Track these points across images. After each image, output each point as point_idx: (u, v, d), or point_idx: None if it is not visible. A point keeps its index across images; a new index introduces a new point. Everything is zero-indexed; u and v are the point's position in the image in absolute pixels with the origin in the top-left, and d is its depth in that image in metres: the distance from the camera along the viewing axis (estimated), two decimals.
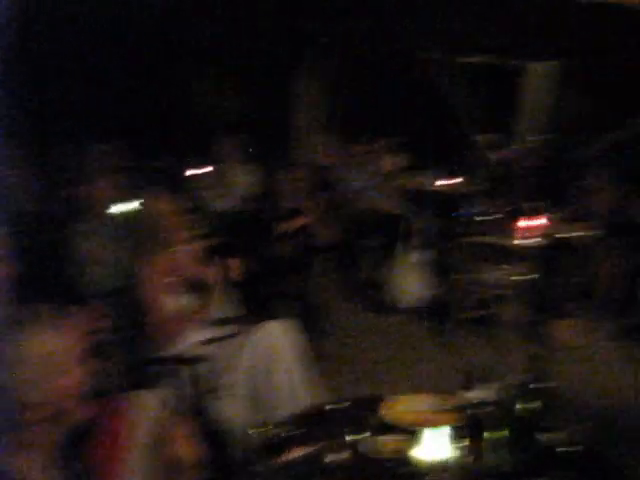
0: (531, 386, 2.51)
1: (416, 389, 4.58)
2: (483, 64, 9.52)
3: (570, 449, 2.36)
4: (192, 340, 3.52)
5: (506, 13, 5.81)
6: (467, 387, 2.56)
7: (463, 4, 5.76)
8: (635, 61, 8.68)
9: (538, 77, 10.44)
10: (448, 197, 8.07)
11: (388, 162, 8.28)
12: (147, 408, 2.53)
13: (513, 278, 5.47)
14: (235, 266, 3.94)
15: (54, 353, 1.89)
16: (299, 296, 5.36)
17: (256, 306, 4.30)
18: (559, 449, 2.38)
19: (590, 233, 6.10)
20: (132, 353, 3.45)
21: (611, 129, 10.50)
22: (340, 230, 6.96)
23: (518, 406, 2.49)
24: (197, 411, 3.27)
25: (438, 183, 8.49)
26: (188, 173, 6.63)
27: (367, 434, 2.59)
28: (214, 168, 6.59)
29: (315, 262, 6.09)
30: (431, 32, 7.12)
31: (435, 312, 6.02)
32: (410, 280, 6.15)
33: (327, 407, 2.64)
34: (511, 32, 6.73)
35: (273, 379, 3.39)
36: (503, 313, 5.54)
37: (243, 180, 6.68)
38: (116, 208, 4.96)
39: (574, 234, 6.01)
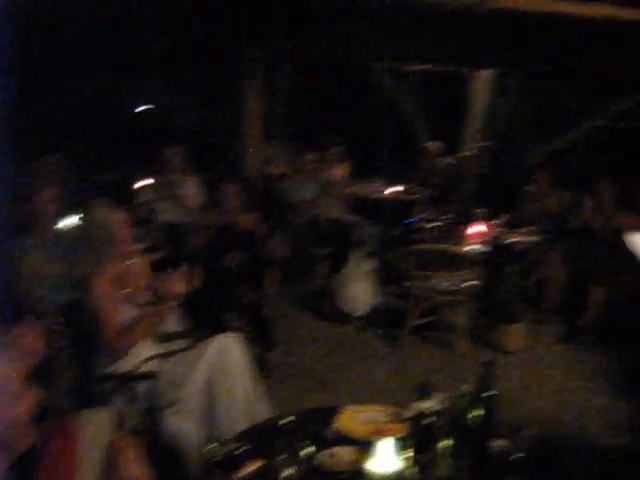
0: (480, 395, 2.55)
1: (371, 397, 4.64)
2: (430, 72, 9.63)
3: (517, 456, 2.40)
4: (144, 355, 3.48)
5: (449, 23, 5.87)
6: (419, 397, 2.58)
7: (408, 14, 5.80)
8: (576, 69, 8.89)
9: (483, 85, 10.59)
10: (398, 204, 8.14)
11: (338, 171, 8.32)
12: (99, 427, 2.50)
13: (463, 284, 5.54)
14: (186, 279, 3.91)
15: (2, 379, 1.84)
16: (251, 307, 5.35)
17: (208, 319, 4.28)
18: (506, 456, 2.42)
19: (535, 238, 6.22)
20: (83, 370, 3.41)
21: (553, 135, 10.73)
22: (291, 240, 6.97)
23: (467, 415, 2.53)
24: (150, 428, 3.24)
25: (388, 191, 8.55)
26: (136, 185, 6.55)
27: (321, 447, 2.60)
28: (161, 179, 6.53)
29: (266, 272, 6.09)
30: (378, 41, 7.16)
31: (387, 320, 6.07)
32: (362, 288, 6.18)
33: (280, 421, 2.64)
34: (455, 41, 6.80)
35: (226, 394, 3.38)
36: (453, 319, 5.60)
37: (191, 191, 6.64)
38: (63, 221, 4.90)
39: (519, 239, 6.12)
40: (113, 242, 3.57)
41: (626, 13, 5.76)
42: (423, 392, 2.60)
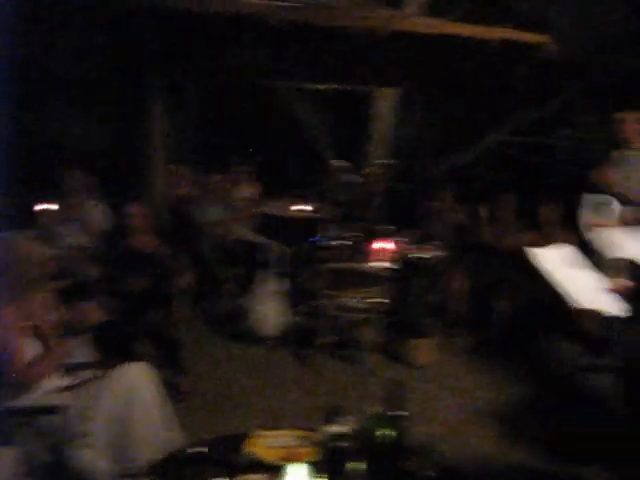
0: (389, 415, 2.58)
1: (283, 419, 4.65)
2: (336, 91, 9.73)
3: (428, 475, 2.45)
4: (49, 388, 3.38)
5: (354, 44, 5.98)
6: (328, 420, 2.60)
7: (314, 35, 5.87)
8: (476, 88, 9.18)
9: (388, 102, 10.79)
10: (305, 223, 8.18)
11: (246, 191, 8.32)
12: (2, 465, 2.42)
13: (371, 301, 5.61)
14: (91, 308, 3.82)
15: None
16: (159, 333, 5.26)
17: (115, 348, 4.19)
18: (417, 476, 2.46)
19: (440, 253, 6.35)
20: None
21: (456, 152, 11.02)
22: (199, 261, 6.90)
23: (377, 436, 2.56)
24: (56, 463, 3.15)
25: (295, 209, 8.59)
26: (38, 208, 6.36)
27: (233, 474, 2.58)
28: (65, 203, 6.36)
29: (174, 296, 6.01)
30: (284, 62, 7.21)
31: (298, 339, 6.08)
32: (272, 308, 6.17)
33: (191, 450, 2.61)
34: (360, 61, 6.92)
35: (135, 424, 3.31)
36: (363, 336, 5.66)
37: (95, 216, 6.50)
38: None
39: (425, 255, 6.23)
40: (18, 271, 3.46)
41: (519, 36, 6.01)
42: (332, 415, 2.61)
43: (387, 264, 5.96)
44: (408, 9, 10.47)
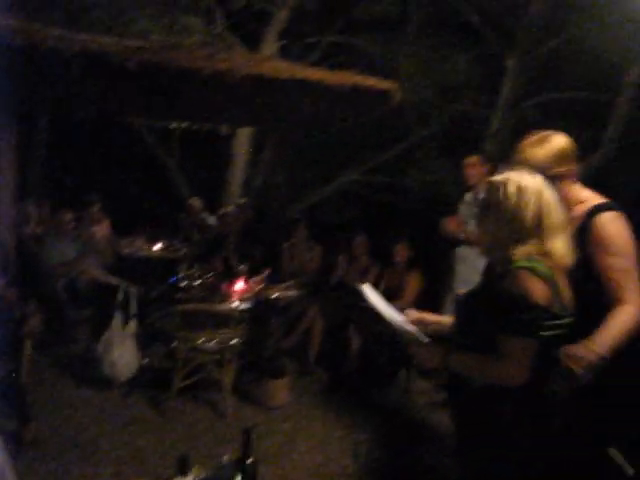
0: (241, 464, 2.59)
1: (137, 467, 4.54)
2: (193, 129, 9.73)
3: None
4: None
5: (205, 86, 6.02)
6: (179, 472, 2.57)
7: (167, 75, 5.87)
8: (329, 130, 9.46)
9: (244, 142, 10.91)
10: (161, 262, 8.10)
11: (99, 229, 8.14)
12: None
13: (228, 342, 5.61)
14: None
15: None
16: (4, 380, 5.01)
17: None
18: None
19: (295, 292, 6.45)
20: None
21: (310, 191, 11.27)
22: (49, 304, 6.66)
23: None
24: None
25: (151, 248, 8.48)
26: None
27: None
28: None
29: (21, 341, 5.75)
30: (138, 100, 7.15)
31: (153, 383, 5.97)
32: (126, 351, 6.01)
33: None
34: (211, 101, 6.98)
35: None
36: (220, 378, 5.63)
37: None
38: None
39: (281, 294, 6.31)
40: None
41: (368, 82, 6.26)
42: (182, 465, 2.59)
43: (241, 304, 5.99)
44: (265, 51, 10.69)
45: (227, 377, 5.61)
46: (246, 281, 6.33)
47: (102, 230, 8.23)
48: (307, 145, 10.74)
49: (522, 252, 2.39)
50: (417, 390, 6.16)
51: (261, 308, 6.11)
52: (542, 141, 2.89)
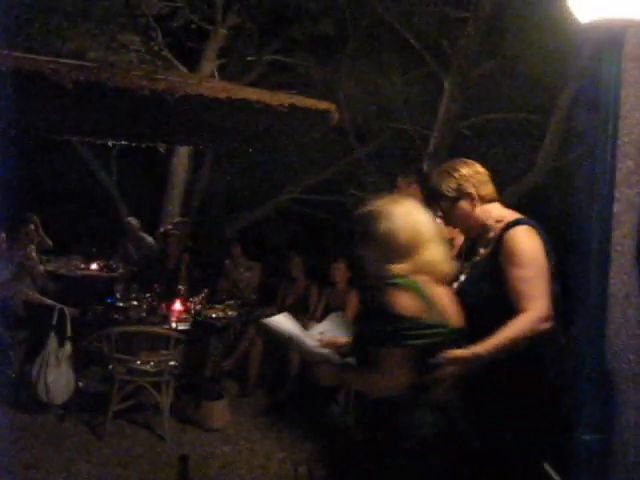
0: None
1: None
2: (131, 147, 9.65)
3: None
4: None
5: (144, 104, 5.99)
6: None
7: (104, 94, 5.82)
8: (269, 148, 9.50)
9: (182, 160, 10.86)
10: (98, 282, 7.98)
11: (33, 249, 7.96)
12: None
13: (165, 364, 5.55)
14: None
15: None
16: None
17: None
18: None
19: (233, 313, 6.42)
20: None
21: (247, 210, 11.28)
22: None
23: None
24: None
25: (87, 268, 8.36)
26: None
27: None
28: None
29: None
30: (74, 117, 7.08)
31: (89, 406, 5.86)
32: (61, 374, 5.89)
33: None
34: (150, 119, 6.95)
35: None
36: (158, 400, 5.56)
37: None
38: None
39: (220, 315, 6.28)
40: None
41: (306, 102, 6.32)
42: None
43: (180, 325, 5.94)
44: (203, 69, 10.68)
45: (165, 399, 5.55)
46: (184, 301, 6.27)
47: (36, 249, 8.05)
48: (247, 164, 10.75)
49: (394, 270, 2.55)
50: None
51: (200, 329, 6.07)
52: (453, 169, 3.07)
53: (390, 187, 9.17)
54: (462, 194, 3.01)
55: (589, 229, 2.41)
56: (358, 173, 11.03)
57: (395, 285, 2.51)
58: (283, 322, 2.96)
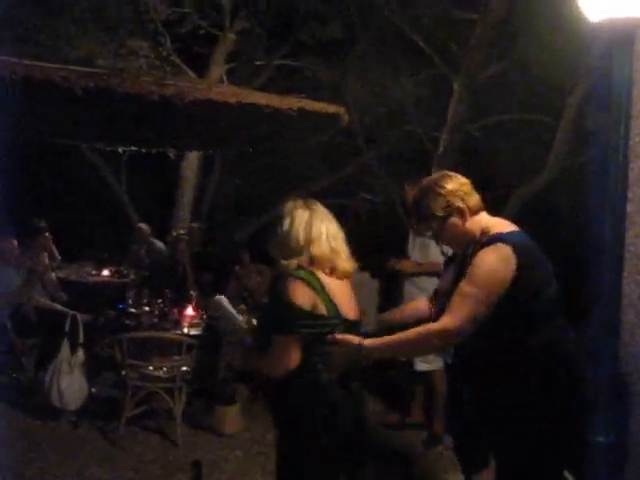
0: None
1: None
2: (141, 153, 9.67)
3: None
4: None
5: (154, 110, 6.00)
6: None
7: (113, 100, 5.83)
8: (278, 153, 9.50)
9: (192, 166, 10.88)
10: (109, 288, 7.99)
11: (45, 256, 8.00)
12: None
13: (178, 370, 5.55)
14: None
15: None
16: None
17: None
18: None
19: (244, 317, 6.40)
20: None
21: (257, 214, 11.27)
22: None
23: None
24: None
25: (99, 274, 8.38)
26: None
27: None
28: None
29: None
30: (77, 123, 7.10)
31: (102, 412, 5.87)
32: (74, 380, 5.90)
33: None
34: (161, 125, 6.97)
35: None
36: (170, 406, 5.56)
37: None
38: None
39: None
40: None
41: (315, 106, 6.31)
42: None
43: (191, 330, 5.94)
44: (212, 74, 10.71)
45: (178, 405, 5.55)
46: (196, 307, 6.28)
47: (49, 256, 8.08)
48: (256, 168, 10.76)
49: (294, 263, 2.87)
50: (369, 411, 6.15)
51: (211, 334, 6.05)
52: (438, 186, 3.00)
53: (399, 190, 9.20)
54: (452, 210, 2.93)
55: (602, 230, 2.39)
56: (367, 176, 11.02)
57: (290, 276, 2.82)
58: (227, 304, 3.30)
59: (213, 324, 6.08)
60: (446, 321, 2.76)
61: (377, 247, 7.22)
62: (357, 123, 9.57)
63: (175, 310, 6.23)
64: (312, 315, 2.79)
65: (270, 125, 6.66)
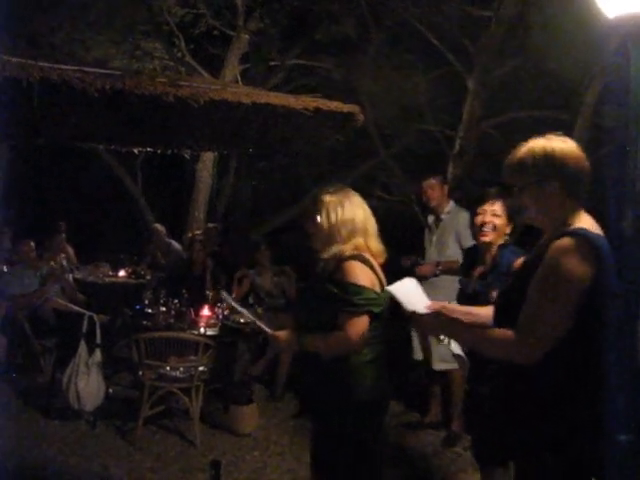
0: None
1: None
2: (157, 154, 9.70)
3: None
4: None
5: (169, 111, 6.02)
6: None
7: (127, 101, 5.85)
8: (294, 152, 9.49)
9: (207, 166, 10.89)
10: (126, 289, 8.02)
11: (62, 258, 8.04)
12: None
13: (195, 370, 5.55)
14: None
15: None
16: None
17: None
18: None
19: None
20: None
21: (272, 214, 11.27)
22: (12, 333, 6.56)
23: None
24: None
25: (115, 275, 8.41)
26: None
27: None
28: None
29: None
30: (94, 125, 7.12)
31: (120, 412, 5.89)
32: (92, 381, 5.91)
33: None
34: (170, 126, 6.98)
35: None
36: (188, 406, 5.57)
37: None
38: None
39: (244, 320, 6.25)
40: None
41: (330, 105, 6.29)
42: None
43: (208, 330, 5.95)
44: (226, 75, 10.72)
45: (195, 405, 5.55)
46: (212, 307, 6.28)
47: (65, 258, 8.13)
48: (271, 168, 10.77)
49: (349, 248, 3.08)
50: (389, 412, 6.12)
51: (228, 334, 6.06)
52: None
53: (414, 188, 9.18)
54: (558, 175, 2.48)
55: (620, 225, 2.36)
56: (383, 174, 11.00)
57: (349, 259, 3.03)
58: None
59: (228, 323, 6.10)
60: (523, 340, 2.39)
61: (393, 245, 7.20)
62: (372, 122, 9.55)
63: (192, 310, 6.23)
64: (376, 293, 3.02)
65: (286, 125, 6.65)
